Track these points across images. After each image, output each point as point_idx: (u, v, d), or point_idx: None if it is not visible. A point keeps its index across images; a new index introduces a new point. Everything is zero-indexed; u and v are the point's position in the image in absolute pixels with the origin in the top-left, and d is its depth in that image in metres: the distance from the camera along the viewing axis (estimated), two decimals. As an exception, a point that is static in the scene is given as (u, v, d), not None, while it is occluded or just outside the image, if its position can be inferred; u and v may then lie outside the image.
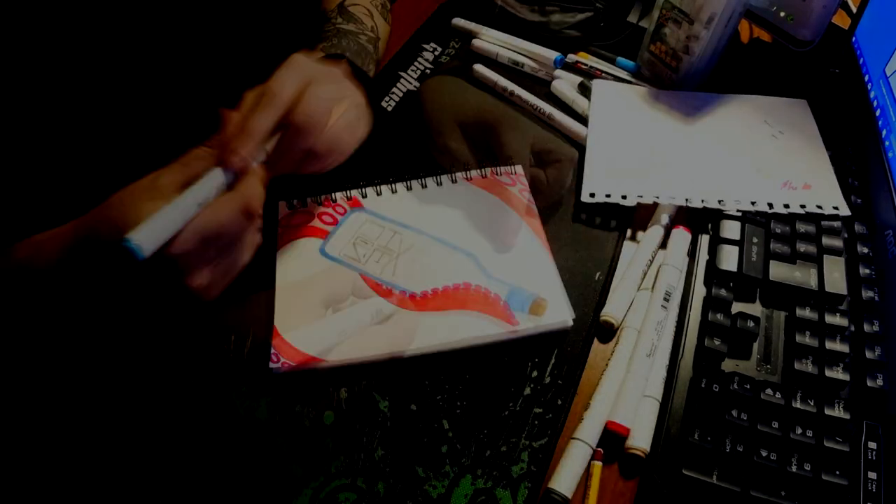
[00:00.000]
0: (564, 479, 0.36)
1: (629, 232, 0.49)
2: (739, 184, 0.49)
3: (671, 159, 0.52)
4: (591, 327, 0.43)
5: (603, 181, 0.50)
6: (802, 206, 0.47)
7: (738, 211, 0.47)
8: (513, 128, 0.49)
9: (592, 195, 0.49)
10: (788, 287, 0.43)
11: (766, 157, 0.51)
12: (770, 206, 0.47)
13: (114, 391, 0.39)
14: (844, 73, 0.59)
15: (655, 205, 0.49)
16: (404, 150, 0.52)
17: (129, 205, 0.32)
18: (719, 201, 0.48)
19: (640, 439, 0.37)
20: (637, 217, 0.50)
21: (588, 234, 0.49)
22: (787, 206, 0.47)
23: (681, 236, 0.47)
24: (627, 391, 0.39)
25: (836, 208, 0.47)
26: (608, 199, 0.48)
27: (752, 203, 0.47)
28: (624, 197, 0.48)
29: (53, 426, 0.38)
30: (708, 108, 0.56)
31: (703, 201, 0.48)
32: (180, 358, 0.41)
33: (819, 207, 0.47)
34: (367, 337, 0.41)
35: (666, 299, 0.43)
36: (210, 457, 0.37)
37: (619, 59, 0.63)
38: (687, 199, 0.48)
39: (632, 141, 0.53)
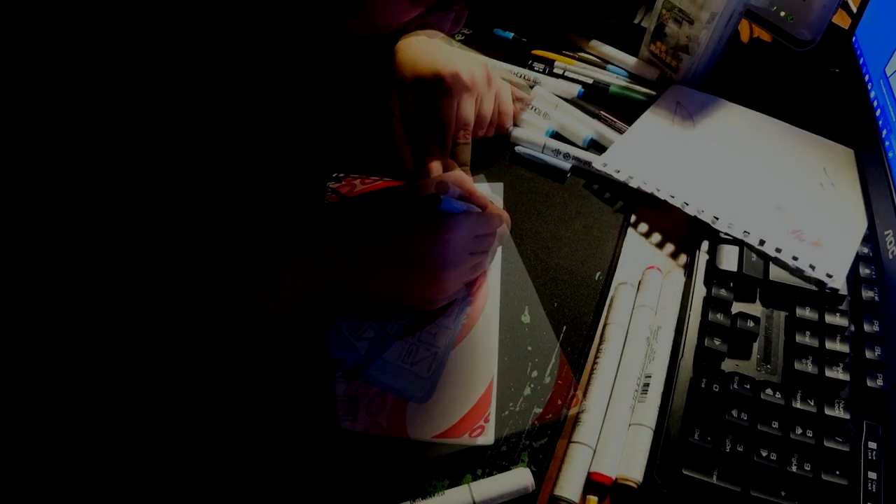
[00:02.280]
0: (569, 484, 0.36)
1: (628, 232, 0.49)
2: (747, 209, 0.47)
3: (698, 165, 0.51)
4: (591, 327, 0.43)
5: (619, 161, 0.51)
6: (794, 258, 0.44)
7: (726, 234, 0.45)
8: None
9: (605, 164, 0.51)
10: (788, 287, 0.43)
11: (797, 201, 0.48)
12: (761, 242, 0.45)
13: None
14: (844, 73, 0.59)
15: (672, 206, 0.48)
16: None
17: None
18: (714, 217, 0.46)
19: (633, 470, 0.36)
20: (637, 216, 0.50)
21: (588, 234, 0.49)
22: (778, 249, 0.44)
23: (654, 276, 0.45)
24: (611, 438, 0.38)
25: (829, 276, 0.43)
26: (616, 175, 0.50)
27: (745, 232, 0.45)
28: (630, 177, 0.49)
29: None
30: (774, 134, 0.55)
31: (700, 211, 0.47)
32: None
33: (812, 267, 0.43)
34: None
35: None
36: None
37: (609, 66, 0.63)
38: (685, 203, 0.47)
39: (671, 139, 0.54)
